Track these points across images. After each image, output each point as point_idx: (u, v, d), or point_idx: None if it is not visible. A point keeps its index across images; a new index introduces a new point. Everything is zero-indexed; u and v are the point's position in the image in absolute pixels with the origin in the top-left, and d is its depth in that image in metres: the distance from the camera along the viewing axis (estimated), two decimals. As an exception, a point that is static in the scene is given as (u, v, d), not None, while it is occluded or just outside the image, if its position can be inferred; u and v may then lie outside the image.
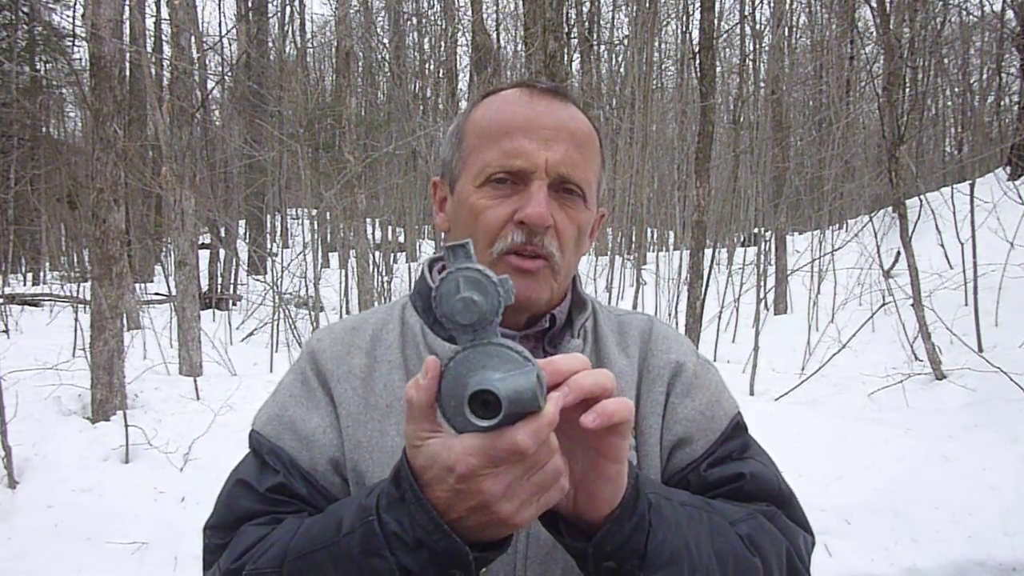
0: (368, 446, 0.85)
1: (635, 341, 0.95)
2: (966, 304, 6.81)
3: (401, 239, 16.22)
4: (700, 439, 0.89)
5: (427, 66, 20.53)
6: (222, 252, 12.36)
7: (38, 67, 18.01)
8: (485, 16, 17.47)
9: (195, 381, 5.56)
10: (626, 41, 16.27)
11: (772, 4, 13.81)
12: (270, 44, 17.61)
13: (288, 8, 18.12)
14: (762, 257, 9.15)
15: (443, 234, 0.95)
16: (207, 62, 11.49)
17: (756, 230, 11.48)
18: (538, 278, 0.84)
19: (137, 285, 10.76)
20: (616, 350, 0.93)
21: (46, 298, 11.37)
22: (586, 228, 0.88)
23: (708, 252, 7.22)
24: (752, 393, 6.00)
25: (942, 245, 9.20)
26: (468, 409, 0.57)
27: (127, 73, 12.05)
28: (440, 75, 20.05)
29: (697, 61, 7.43)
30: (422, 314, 0.91)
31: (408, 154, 13.23)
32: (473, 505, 0.61)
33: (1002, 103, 17.23)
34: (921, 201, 10.16)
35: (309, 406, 0.89)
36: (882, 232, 8.71)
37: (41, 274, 15.37)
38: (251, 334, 9.41)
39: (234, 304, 11.80)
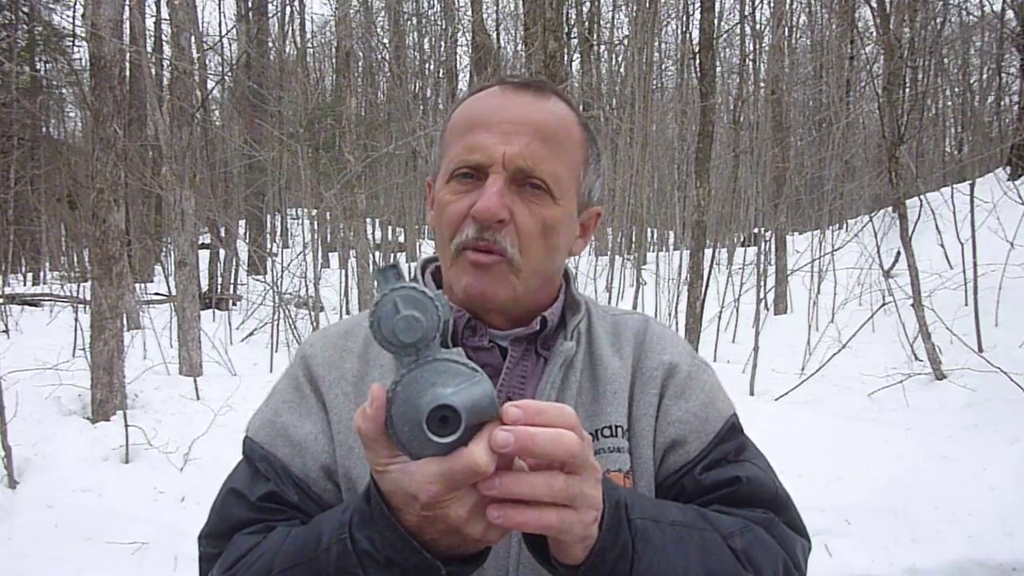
0: (360, 452, 0.84)
1: (629, 342, 0.94)
2: (966, 304, 6.81)
3: (401, 239, 16.21)
4: (694, 441, 0.88)
5: (427, 66, 20.53)
6: (222, 252, 12.35)
7: (38, 67, 18.01)
8: (485, 16, 17.48)
9: (195, 381, 5.56)
10: (626, 41, 16.27)
11: (772, 4, 13.81)
12: (270, 44, 17.62)
13: (288, 8, 18.13)
14: (762, 257, 9.14)
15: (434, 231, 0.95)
16: (207, 62, 11.49)
17: (756, 230, 11.49)
18: (493, 273, 0.83)
19: (137, 285, 10.75)
20: (610, 351, 0.92)
21: (46, 298, 11.36)
22: (555, 224, 0.85)
23: (708, 252, 7.22)
24: (752, 393, 6.00)
25: (942, 245, 9.19)
26: (427, 429, 0.56)
27: (127, 73, 12.04)
28: (440, 75, 20.05)
29: (697, 61, 7.43)
30: None
31: (408, 154, 13.23)
32: (443, 529, 0.60)
33: (1002, 103, 17.24)
34: (921, 201, 10.15)
35: (302, 412, 0.88)
36: (882, 232, 8.70)
37: (41, 274, 15.37)
38: (251, 334, 9.41)
39: (234, 304, 11.80)
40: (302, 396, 0.90)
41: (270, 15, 17.77)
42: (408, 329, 0.59)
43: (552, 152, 0.84)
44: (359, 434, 0.61)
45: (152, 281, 13.84)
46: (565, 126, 0.87)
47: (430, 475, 0.57)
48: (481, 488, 0.58)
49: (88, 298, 5.93)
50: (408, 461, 0.59)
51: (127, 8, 7.45)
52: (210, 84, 10.04)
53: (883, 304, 6.91)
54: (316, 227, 10.08)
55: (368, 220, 10.15)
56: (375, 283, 0.62)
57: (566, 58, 16.23)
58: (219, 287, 12.30)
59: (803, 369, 6.67)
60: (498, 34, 20.25)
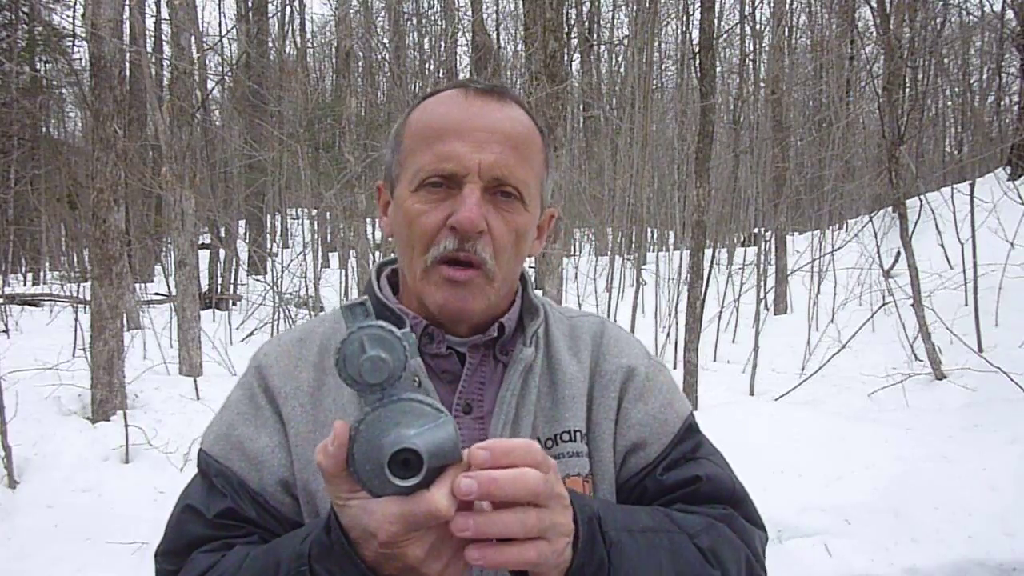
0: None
1: (587, 345, 0.94)
2: (966, 304, 6.81)
3: (401, 239, 16.21)
4: (654, 443, 0.89)
5: (427, 66, 20.52)
6: (222, 252, 12.35)
7: (38, 67, 18.00)
8: (485, 16, 17.49)
9: (195, 381, 5.57)
10: (626, 41, 16.27)
11: (772, 4, 13.81)
12: (270, 44, 17.61)
13: (288, 8, 18.13)
14: (762, 257, 9.15)
15: (389, 239, 0.93)
16: (207, 62, 11.49)
17: (756, 230, 11.47)
18: (471, 288, 0.82)
19: (137, 285, 10.76)
20: (568, 356, 0.92)
21: (46, 298, 11.36)
22: (525, 232, 0.86)
23: (708, 252, 7.21)
24: (752, 393, 6.00)
25: (942, 245, 9.19)
26: (388, 471, 0.56)
27: (127, 73, 12.03)
28: (440, 75, 20.04)
29: (697, 61, 7.42)
30: None
31: (408, 154, 13.22)
32: (400, 567, 0.61)
33: (1002, 103, 17.23)
34: (921, 201, 10.15)
35: (257, 424, 0.87)
36: (882, 232, 8.70)
37: (41, 274, 15.37)
38: (251, 334, 9.41)
39: (234, 304, 11.80)
40: (257, 408, 0.88)
41: (270, 15, 17.76)
42: (374, 369, 0.59)
43: (522, 160, 0.84)
44: (319, 469, 0.61)
45: (152, 281, 13.85)
46: (529, 133, 0.87)
47: (390, 515, 0.58)
48: (454, 530, 0.58)
49: (88, 298, 5.93)
50: (369, 498, 0.60)
51: (127, 8, 7.45)
52: (210, 84, 10.05)
53: (883, 304, 6.91)
54: (316, 227, 10.08)
55: (368, 220, 10.14)
56: (344, 318, 0.62)
57: (566, 58, 16.22)
58: (219, 287, 12.30)
59: (803, 369, 6.67)
60: (498, 34, 20.25)
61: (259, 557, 0.73)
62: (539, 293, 1.00)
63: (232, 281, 12.95)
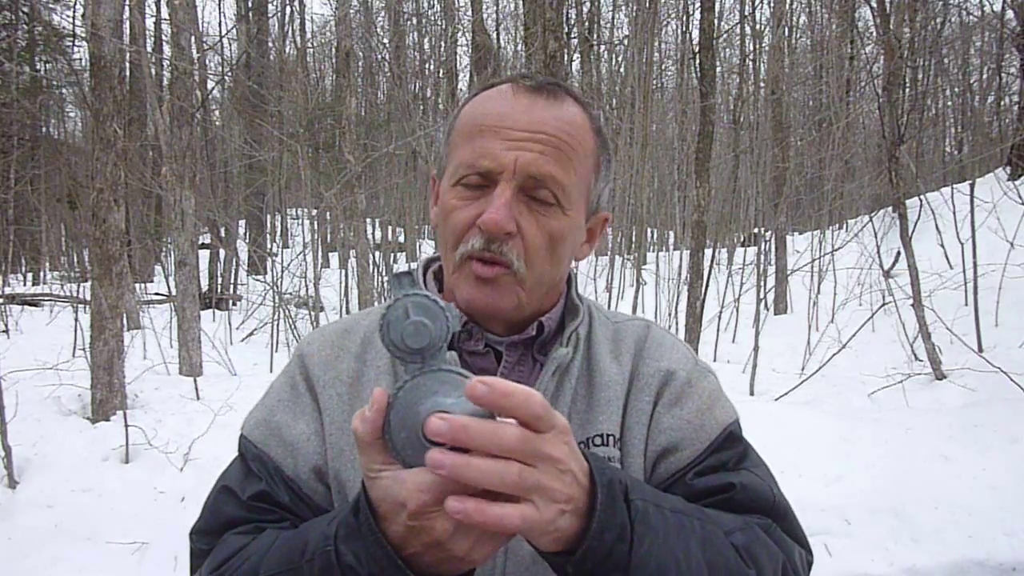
0: (351, 454, 0.83)
1: (629, 349, 0.91)
2: (966, 304, 6.81)
3: (401, 239, 16.20)
4: (687, 448, 0.85)
5: (427, 66, 20.51)
6: (222, 252, 12.35)
7: (38, 67, 18.02)
8: (485, 16, 17.49)
9: (195, 381, 5.57)
10: (626, 41, 16.26)
11: (772, 4, 13.81)
12: (270, 44, 17.60)
13: (288, 8, 18.10)
14: (762, 257, 9.14)
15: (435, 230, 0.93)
16: (207, 62, 11.48)
17: (756, 230, 11.48)
18: (499, 286, 0.81)
19: (137, 285, 10.76)
20: (608, 358, 0.90)
21: (46, 298, 11.37)
22: (562, 236, 0.83)
23: (708, 252, 7.21)
24: (752, 393, 6.00)
25: (942, 245, 9.19)
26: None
27: (127, 73, 12.04)
28: (440, 75, 20.04)
29: (697, 61, 7.43)
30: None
31: (408, 154, 13.23)
32: (427, 542, 0.59)
33: (1002, 103, 17.23)
34: (921, 201, 10.15)
35: (296, 412, 0.87)
36: (882, 232, 8.71)
37: (41, 274, 15.37)
38: (251, 334, 9.42)
39: (234, 304, 11.80)
40: (297, 395, 0.89)
41: (270, 15, 17.75)
42: (416, 335, 0.59)
43: (564, 162, 0.81)
44: (355, 436, 0.61)
45: (152, 281, 13.85)
46: (578, 134, 0.84)
47: (422, 484, 0.57)
48: (428, 463, 0.55)
49: (88, 298, 5.93)
50: (402, 469, 0.59)
51: (127, 8, 7.46)
52: (210, 84, 10.05)
53: (883, 304, 6.91)
54: (316, 227, 10.08)
55: (368, 220, 10.15)
56: (389, 288, 0.62)
57: (566, 58, 16.23)
58: (219, 287, 12.31)
59: (803, 369, 6.67)
60: (498, 34, 20.25)
61: (288, 539, 0.73)
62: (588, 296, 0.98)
63: (232, 281, 12.95)
